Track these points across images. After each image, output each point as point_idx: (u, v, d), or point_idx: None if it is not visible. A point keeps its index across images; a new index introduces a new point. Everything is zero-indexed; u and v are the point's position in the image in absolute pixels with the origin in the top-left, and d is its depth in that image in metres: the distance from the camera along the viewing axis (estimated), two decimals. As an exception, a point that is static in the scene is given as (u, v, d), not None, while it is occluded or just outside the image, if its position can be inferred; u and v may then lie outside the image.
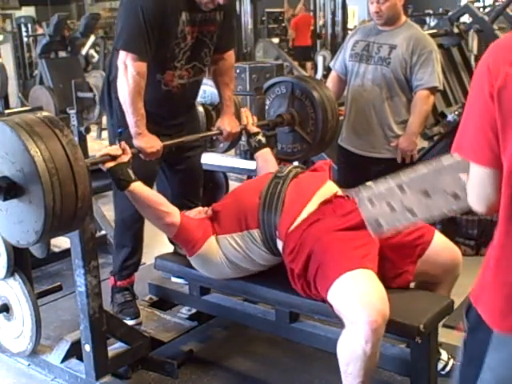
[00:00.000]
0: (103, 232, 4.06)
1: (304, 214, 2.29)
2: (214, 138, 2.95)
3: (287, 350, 2.78)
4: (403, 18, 3.18)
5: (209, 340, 2.97)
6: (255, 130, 2.83)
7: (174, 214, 2.38)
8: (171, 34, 2.40)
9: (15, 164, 1.84)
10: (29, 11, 15.47)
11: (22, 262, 2.61)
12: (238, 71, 4.12)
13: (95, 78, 7.18)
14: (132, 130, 2.43)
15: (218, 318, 2.98)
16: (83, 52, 9.04)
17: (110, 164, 2.26)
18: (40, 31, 10.73)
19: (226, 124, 2.74)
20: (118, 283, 2.78)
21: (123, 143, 2.32)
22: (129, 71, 2.35)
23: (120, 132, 2.50)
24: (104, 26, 11.93)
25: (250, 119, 2.85)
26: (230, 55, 2.76)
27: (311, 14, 12.10)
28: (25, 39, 10.29)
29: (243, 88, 4.24)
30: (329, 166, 2.58)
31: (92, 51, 9.70)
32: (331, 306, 2.05)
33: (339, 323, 2.06)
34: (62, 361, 2.61)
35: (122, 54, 2.37)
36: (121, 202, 2.60)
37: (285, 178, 2.41)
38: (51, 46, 7.65)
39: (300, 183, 2.41)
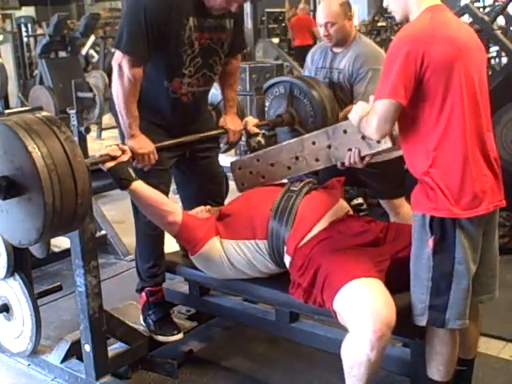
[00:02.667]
0: (103, 232, 4.07)
1: (314, 232, 2.27)
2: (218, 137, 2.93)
3: (287, 350, 2.79)
4: (352, 34, 3.12)
5: (209, 340, 2.97)
6: (255, 130, 2.82)
7: (175, 212, 2.38)
8: (178, 39, 2.38)
9: (14, 162, 1.83)
10: (29, 11, 15.47)
11: (22, 262, 2.61)
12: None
13: (95, 78, 7.18)
14: (125, 131, 2.42)
15: (218, 318, 2.98)
16: (83, 52, 9.04)
17: (110, 164, 2.26)
18: (40, 31, 10.73)
19: (230, 123, 2.74)
20: (151, 299, 2.69)
21: (120, 145, 2.32)
22: (124, 74, 2.34)
23: None
24: (104, 26, 11.93)
25: (250, 120, 2.85)
26: (238, 58, 2.76)
27: (311, 15, 12.07)
28: (25, 39, 10.29)
29: (243, 88, 4.24)
30: (341, 184, 2.58)
31: (92, 51, 9.70)
32: (335, 315, 2.03)
33: (339, 323, 2.06)
34: (62, 361, 2.62)
35: (119, 54, 2.35)
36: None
37: (298, 193, 2.40)
38: (51, 46, 7.64)
39: (313, 200, 2.39)
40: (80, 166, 1.87)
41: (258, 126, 2.86)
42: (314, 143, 2.43)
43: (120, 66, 2.35)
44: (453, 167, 1.87)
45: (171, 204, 2.42)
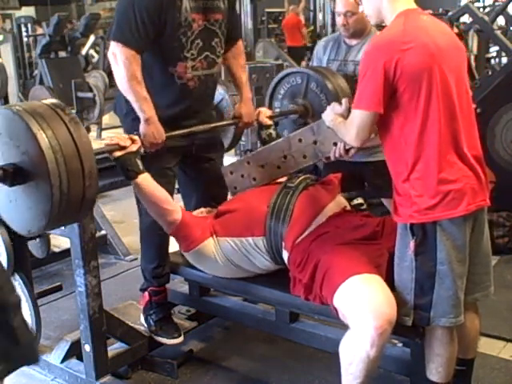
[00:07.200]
0: (103, 232, 4.06)
1: (312, 227, 2.28)
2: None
3: (287, 350, 2.78)
4: (368, 27, 3.09)
5: (209, 340, 2.97)
6: (268, 122, 2.77)
7: (176, 211, 2.38)
8: (173, 22, 2.39)
9: (20, 147, 1.81)
10: (29, 11, 15.45)
11: (22, 262, 2.60)
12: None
13: (95, 78, 7.17)
14: (140, 115, 2.38)
15: (217, 318, 2.98)
16: (83, 52, 9.03)
17: (119, 153, 2.21)
18: (40, 31, 10.72)
19: (244, 113, 2.70)
20: (154, 299, 2.67)
21: (130, 135, 2.28)
22: (118, 58, 2.34)
23: (136, 135, 2.46)
24: (104, 26, 11.93)
25: (264, 111, 2.80)
26: (240, 42, 2.77)
27: (301, 16, 12.04)
28: (25, 39, 10.28)
29: (243, 88, 4.22)
30: (339, 180, 2.57)
31: (92, 51, 9.69)
32: (336, 311, 2.03)
33: (339, 323, 2.06)
34: (62, 361, 2.61)
35: (112, 44, 2.37)
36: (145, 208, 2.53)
37: (295, 189, 2.40)
38: (51, 46, 7.64)
39: (310, 196, 2.40)
40: (86, 147, 1.83)
41: (271, 117, 2.80)
42: (300, 140, 2.45)
43: (114, 54, 2.35)
44: (429, 172, 1.89)
45: (173, 203, 2.40)
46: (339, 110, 2.16)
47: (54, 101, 1.91)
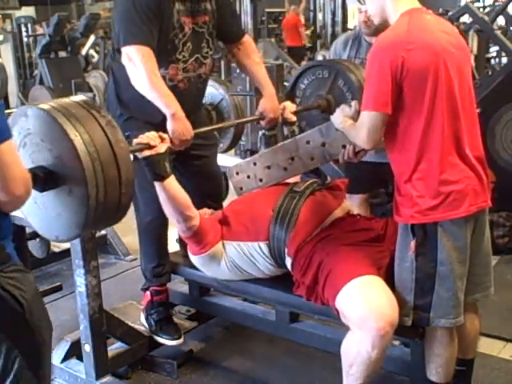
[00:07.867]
0: (103, 232, 4.06)
1: (316, 232, 2.26)
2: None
3: (287, 350, 2.78)
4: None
5: (209, 340, 2.97)
6: (293, 118, 2.67)
7: (196, 217, 2.32)
8: (168, 24, 2.39)
9: (52, 151, 1.66)
10: (29, 11, 15.45)
11: (21, 262, 2.60)
12: (237, 71, 4.11)
13: (95, 78, 7.19)
14: (165, 111, 2.30)
15: (217, 317, 2.98)
16: (83, 52, 9.04)
17: (147, 153, 2.11)
18: (40, 31, 10.73)
19: (269, 109, 2.62)
20: (155, 298, 2.66)
21: (157, 133, 2.20)
22: (134, 58, 2.28)
23: (127, 135, 2.43)
24: (104, 26, 11.94)
25: (289, 106, 2.68)
26: (248, 39, 2.72)
27: (301, 16, 12.02)
28: (25, 39, 10.28)
29: (243, 88, 4.22)
30: (345, 185, 2.56)
31: (92, 51, 9.70)
32: (338, 312, 2.02)
33: (339, 323, 2.06)
34: (62, 361, 2.61)
35: (124, 49, 2.32)
36: (144, 207, 2.52)
37: (301, 194, 2.36)
38: (51, 46, 7.64)
39: (316, 202, 2.36)
40: (123, 153, 1.72)
41: (295, 112, 2.70)
42: (308, 142, 2.43)
43: (129, 57, 2.30)
44: (431, 173, 1.89)
45: (193, 208, 2.33)
46: (349, 113, 2.14)
47: (85, 99, 1.77)
